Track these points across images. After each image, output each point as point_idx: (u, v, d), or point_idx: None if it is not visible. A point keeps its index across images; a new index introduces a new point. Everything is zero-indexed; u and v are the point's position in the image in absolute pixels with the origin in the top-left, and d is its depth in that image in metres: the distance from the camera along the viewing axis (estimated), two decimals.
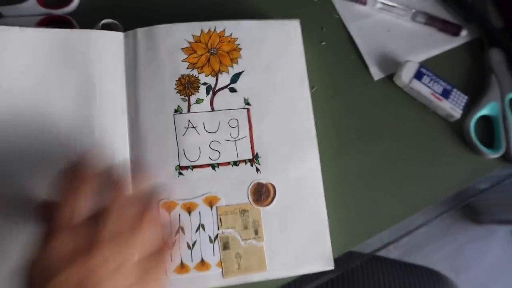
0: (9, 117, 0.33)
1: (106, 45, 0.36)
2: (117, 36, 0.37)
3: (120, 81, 0.36)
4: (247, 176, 0.35)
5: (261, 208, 0.35)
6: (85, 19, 0.40)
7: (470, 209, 1.39)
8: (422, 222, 0.42)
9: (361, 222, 0.38)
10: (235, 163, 0.36)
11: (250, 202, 0.35)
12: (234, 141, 0.36)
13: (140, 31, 0.37)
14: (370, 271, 0.59)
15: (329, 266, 0.35)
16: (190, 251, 0.34)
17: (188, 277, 0.33)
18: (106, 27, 0.38)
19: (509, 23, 0.46)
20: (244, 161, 0.36)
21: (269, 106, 0.37)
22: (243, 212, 0.35)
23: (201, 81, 0.37)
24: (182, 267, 0.33)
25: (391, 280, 0.59)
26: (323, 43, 0.43)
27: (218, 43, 0.38)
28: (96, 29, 0.38)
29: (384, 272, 0.60)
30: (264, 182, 0.36)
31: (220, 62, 0.37)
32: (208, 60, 0.37)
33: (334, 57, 0.42)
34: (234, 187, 0.35)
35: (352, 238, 0.38)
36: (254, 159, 0.36)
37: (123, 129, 0.35)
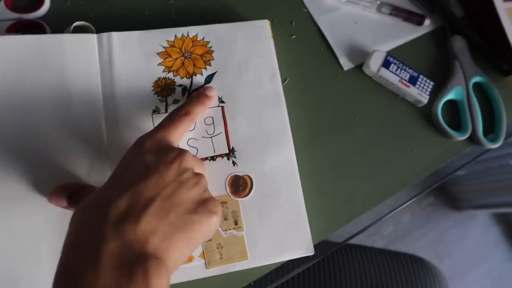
0: None
1: (80, 48, 0.36)
2: (90, 38, 0.37)
3: (96, 83, 0.36)
4: (224, 169, 0.36)
5: (239, 199, 0.36)
6: (56, 23, 0.40)
7: (449, 196, 1.43)
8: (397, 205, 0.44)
9: (339, 208, 0.40)
10: (212, 158, 0.37)
11: (228, 194, 0.36)
12: (210, 137, 0.37)
13: (116, 35, 0.37)
14: (355, 261, 0.61)
15: (310, 252, 0.36)
16: None
17: None
18: (78, 29, 0.38)
19: (469, 11, 0.48)
20: (221, 155, 0.37)
21: (243, 102, 0.38)
22: (222, 203, 0.35)
23: (177, 83, 0.38)
24: None
25: (376, 268, 0.60)
26: (293, 36, 0.44)
27: (192, 47, 0.39)
28: (68, 31, 0.38)
29: (369, 261, 0.62)
30: (240, 174, 0.36)
31: (194, 65, 0.39)
32: (183, 63, 0.38)
33: (304, 50, 0.44)
34: (212, 181, 0.36)
35: (331, 224, 0.39)
36: (230, 153, 0.37)
37: (101, 132, 0.35)
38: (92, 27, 0.39)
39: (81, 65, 0.36)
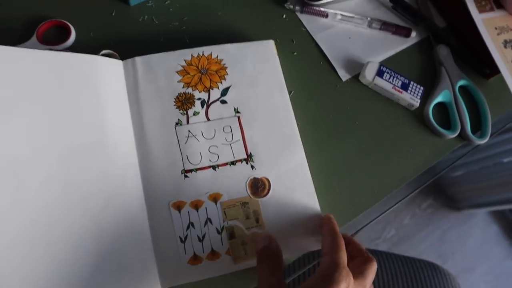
0: (25, 135, 0.35)
1: (109, 71, 0.41)
2: (118, 63, 0.42)
3: (125, 103, 0.41)
4: (244, 173, 0.40)
5: (259, 200, 0.40)
6: (82, 52, 0.44)
7: (448, 197, 1.47)
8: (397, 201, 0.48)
9: (346, 204, 0.44)
10: (233, 163, 0.41)
11: (249, 195, 0.40)
12: (230, 144, 0.41)
13: (139, 59, 0.42)
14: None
15: None
16: (201, 243, 0.38)
17: (202, 267, 0.37)
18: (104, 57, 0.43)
19: (450, 23, 0.54)
20: (240, 160, 0.41)
21: (256, 112, 0.43)
22: (244, 204, 0.39)
23: (196, 97, 0.42)
24: (196, 259, 0.38)
25: (393, 273, 0.63)
26: (295, 53, 0.49)
27: (207, 64, 0.44)
28: None
29: (386, 266, 0.64)
30: (259, 177, 0.40)
31: (210, 80, 0.43)
32: (200, 79, 0.43)
33: (306, 65, 0.48)
34: (233, 184, 0.40)
35: (340, 218, 0.43)
36: (248, 158, 0.41)
37: (132, 144, 0.40)
38: (117, 55, 0.43)
39: (112, 85, 0.40)
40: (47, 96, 0.37)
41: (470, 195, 1.39)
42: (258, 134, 0.42)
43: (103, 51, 0.43)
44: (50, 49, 0.44)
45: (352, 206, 0.44)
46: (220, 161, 0.40)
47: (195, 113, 0.42)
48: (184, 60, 0.43)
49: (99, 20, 0.47)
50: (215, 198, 0.39)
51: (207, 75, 0.43)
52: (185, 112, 0.41)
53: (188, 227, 0.38)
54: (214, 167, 0.40)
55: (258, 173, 0.41)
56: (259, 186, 0.40)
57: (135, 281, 0.36)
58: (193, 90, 0.42)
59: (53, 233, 0.34)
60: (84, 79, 0.39)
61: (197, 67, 0.43)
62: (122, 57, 0.43)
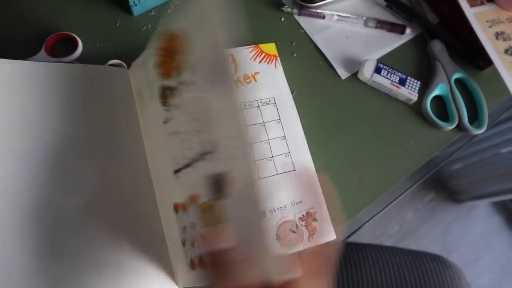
0: (47, 145, 0.37)
1: (118, 80, 0.42)
2: (125, 72, 0.43)
3: (134, 111, 0.42)
4: (211, 167, 0.32)
5: (220, 201, 0.31)
6: (89, 63, 0.46)
7: (449, 190, 1.48)
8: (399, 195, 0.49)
9: (352, 198, 0.45)
10: (203, 156, 0.33)
11: (210, 195, 0.32)
12: (198, 133, 0.35)
13: (134, 64, 0.43)
14: (379, 260, 0.64)
15: (332, 237, 0.41)
16: (193, 248, 0.36)
17: (198, 273, 0.35)
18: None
19: (443, 18, 0.55)
20: (207, 152, 0.33)
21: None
22: (210, 207, 0.33)
23: (173, 85, 0.37)
24: (192, 264, 0.36)
25: (399, 266, 0.64)
26: (295, 54, 0.50)
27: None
28: None
29: (392, 260, 0.65)
30: (221, 171, 0.31)
31: (179, 60, 0.37)
32: (171, 61, 0.38)
33: (306, 65, 0.50)
34: (205, 181, 0.33)
35: (347, 212, 0.44)
36: (213, 148, 0.33)
37: (142, 150, 0.41)
38: (124, 64, 0.45)
39: (122, 92, 0.42)
40: (59, 105, 0.38)
41: (470, 187, 1.41)
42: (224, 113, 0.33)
43: (111, 61, 0.44)
44: (59, 61, 0.45)
45: (358, 200, 0.45)
46: (195, 156, 0.34)
47: (175, 106, 0.37)
48: (156, 45, 0.38)
49: (105, 31, 0.48)
50: (194, 199, 0.35)
51: (176, 54, 0.36)
52: (169, 108, 0.38)
53: (183, 230, 0.37)
54: (192, 164, 0.35)
55: (220, 167, 0.31)
56: (220, 183, 0.31)
57: (154, 281, 0.37)
58: (167, 78, 0.37)
59: (74, 242, 0.36)
60: (94, 89, 0.40)
61: (166, 48, 0.37)
62: (129, 66, 0.44)
